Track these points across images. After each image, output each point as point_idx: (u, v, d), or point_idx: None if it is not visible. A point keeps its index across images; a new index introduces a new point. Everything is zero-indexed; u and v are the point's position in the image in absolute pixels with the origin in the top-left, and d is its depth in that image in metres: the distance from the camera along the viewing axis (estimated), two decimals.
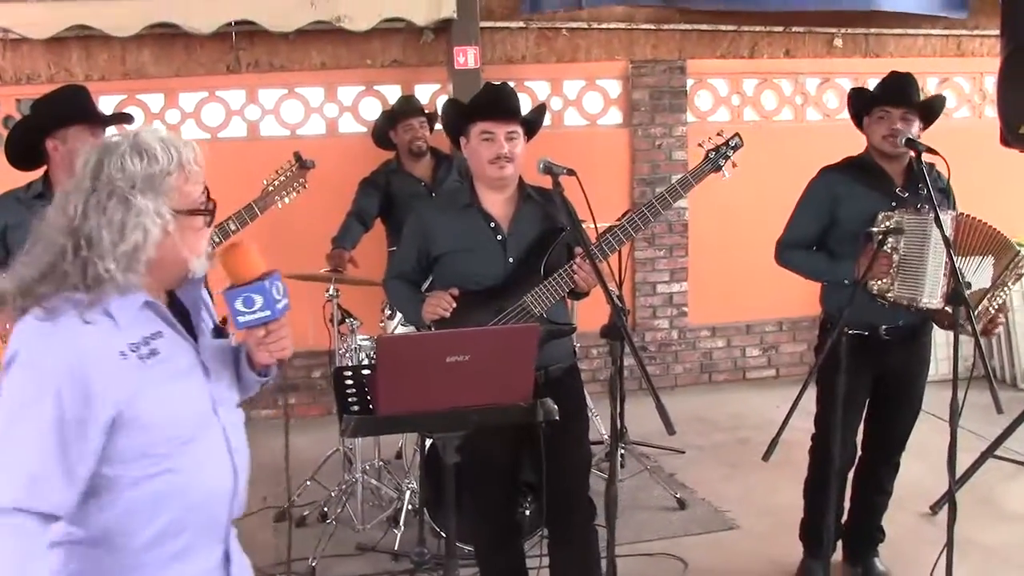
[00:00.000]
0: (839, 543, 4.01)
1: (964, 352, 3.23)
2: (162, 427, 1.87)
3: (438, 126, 4.82)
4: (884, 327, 3.71)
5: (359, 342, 4.72)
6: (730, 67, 7.02)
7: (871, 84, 3.98)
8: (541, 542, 3.45)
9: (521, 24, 6.52)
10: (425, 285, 3.47)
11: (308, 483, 4.82)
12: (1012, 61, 5.05)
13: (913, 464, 4.08)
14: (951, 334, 3.38)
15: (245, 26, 5.90)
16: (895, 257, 3.57)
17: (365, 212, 5.36)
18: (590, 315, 4.65)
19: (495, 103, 3.27)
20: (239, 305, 1.99)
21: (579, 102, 6.88)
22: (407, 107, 5.47)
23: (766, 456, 3.12)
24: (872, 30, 7.05)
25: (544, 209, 3.32)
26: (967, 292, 3.30)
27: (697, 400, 6.75)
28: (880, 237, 3.47)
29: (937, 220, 3.31)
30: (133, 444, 1.84)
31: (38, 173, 3.56)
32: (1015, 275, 3.66)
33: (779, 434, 3.12)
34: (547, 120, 3.86)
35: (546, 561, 3.41)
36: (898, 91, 3.71)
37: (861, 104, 3.82)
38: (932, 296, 3.54)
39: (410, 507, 4.53)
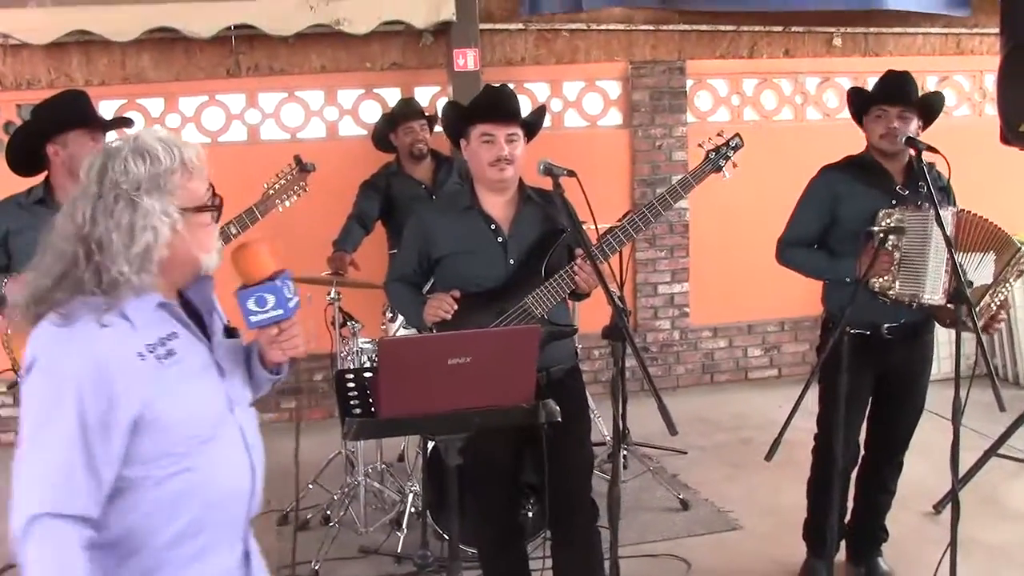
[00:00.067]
0: (842, 543, 4.00)
1: (966, 350, 3.22)
2: (181, 427, 1.89)
3: (438, 128, 4.82)
4: (886, 325, 3.70)
5: (361, 345, 4.72)
6: (730, 67, 7.01)
7: (871, 83, 3.97)
8: (544, 544, 3.45)
9: (520, 26, 6.52)
10: (426, 287, 3.47)
11: (311, 486, 4.82)
12: (1012, 59, 5.05)
13: (916, 463, 4.08)
14: (953, 332, 3.38)
15: (245, 30, 5.90)
16: (896, 255, 3.57)
17: (366, 215, 5.36)
18: (591, 316, 4.66)
19: (495, 105, 3.27)
20: (252, 304, 2.01)
21: (579, 103, 6.88)
22: (407, 110, 5.47)
23: (768, 456, 3.12)
24: (871, 29, 7.04)
25: (544, 210, 3.32)
26: (968, 289, 3.30)
27: (699, 401, 6.74)
28: (881, 236, 3.47)
29: (937, 217, 3.32)
30: (154, 445, 1.86)
31: (39, 179, 3.56)
32: (1016, 272, 3.66)
33: (781, 434, 3.12)
34: (547, 121, 3.86)
35: (549, 563, 3.41)
36: (895, 90, 3.71)
37: (859, 103, 3.83)
38: (934, 292, 3.54)
39: (413, 510, 4.53)
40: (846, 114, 3.96)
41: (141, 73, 6.10)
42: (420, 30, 6.22)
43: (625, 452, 5.25)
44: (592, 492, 3.45)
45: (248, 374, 2.15)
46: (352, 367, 4.57)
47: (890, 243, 3.52)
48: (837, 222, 3.78)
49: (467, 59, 6.13)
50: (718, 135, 3.52)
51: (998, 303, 3.65)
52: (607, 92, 6.91)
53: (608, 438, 5.38)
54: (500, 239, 3.29)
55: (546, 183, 3.12)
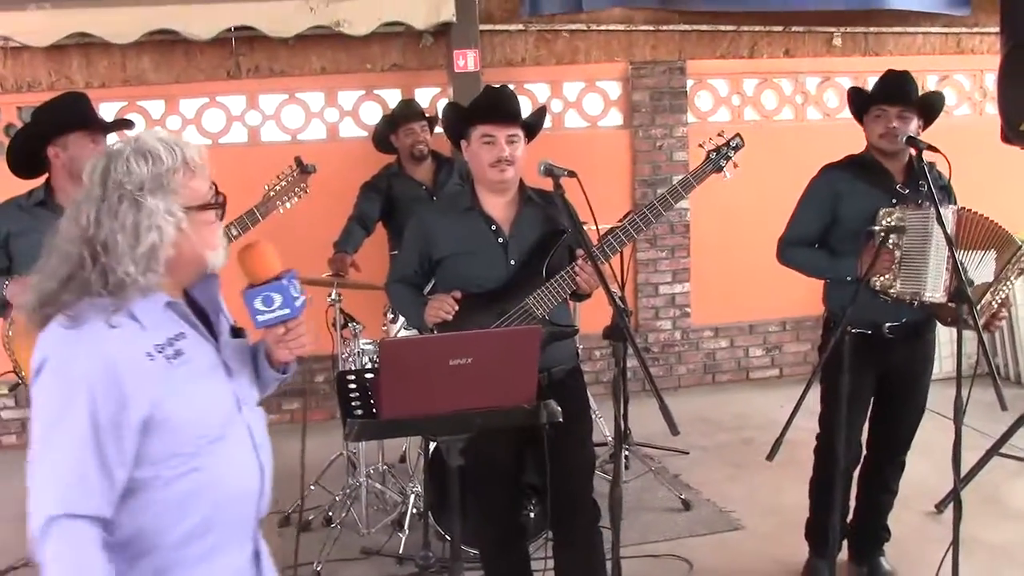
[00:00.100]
0: (844, 542, 4.00)
1: (968, 349, 3.22)
2: (190, 427, 1.90)
3: (439, 129, 4.82)
4: (887, 325, 3.70)
5: (362, 346, 4.72)
6: (730, 67, 7.01)
7: (871, 83, 3.98)
8: (546, 544, 3.45)
9: (520, 27, 6.52)
10: (427, 288, 3.47)
11: (312, 488, 4.82)
12: (1012, 58, 5.05)
13: (918, 463, 4.08)
14: (954, 331, 3.37)
15: (245, 32, 5.91)
16: (897, 253, 3.57)
17: (366, 216, 5.36)
18: (592, 317, 4.66)
19: (495, 107, 3.27)
20: (258, 304, 2.02)
21: (579, 104, 6.88)
22: (408, 111, 5.47)
23: (770, 456, 3.12)
24: (872, 29, 7.04)
25: (545, 211, 3.32)
26: (969, 288, 3.30)
27: (701, 401, 6.74)
28: (882, 235, 3.47)
29: (938, 215, 3.32)
30: (163, 445, 1.86)
31: (39, 181, 3.57)
32: (1017, 270, 3.66)
33: (783, 434, 3.12)
34: (547, 122, 3.87)
35: (551, 563, 3.41)
36: (894, 89, 3.72)
37: (859, 103, 3.83)
38: (935, 290, 3.53)
39: (414, 511, 4.53)
40: (846, 114, 3.96)
41: (141, 75, 6.11)
42: (420, 31, 6.23)
43: (627, 452, 5.25)
44: (594, 492, 3.45)
45: (255, 374, 2.16)
46: (353, 368, 4.57)
47: (891, 242, 3.52)
48: (838, 221, 3.78)
49: (467, 60, 6.13)
50: (719, 135, 3.52)
51: (999, 301, 3.65)
52: (607, 93, 6.91)
53: (610, 438, 5.38)
54: (501, 240, 3.29)
55: (547, 184, 3.12)
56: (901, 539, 4.15)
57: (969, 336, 3.20)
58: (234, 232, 3.78)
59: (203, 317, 2.04)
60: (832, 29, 6.99)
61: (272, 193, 4.00)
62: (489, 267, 3.27)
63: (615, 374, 2.77)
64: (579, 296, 3.33)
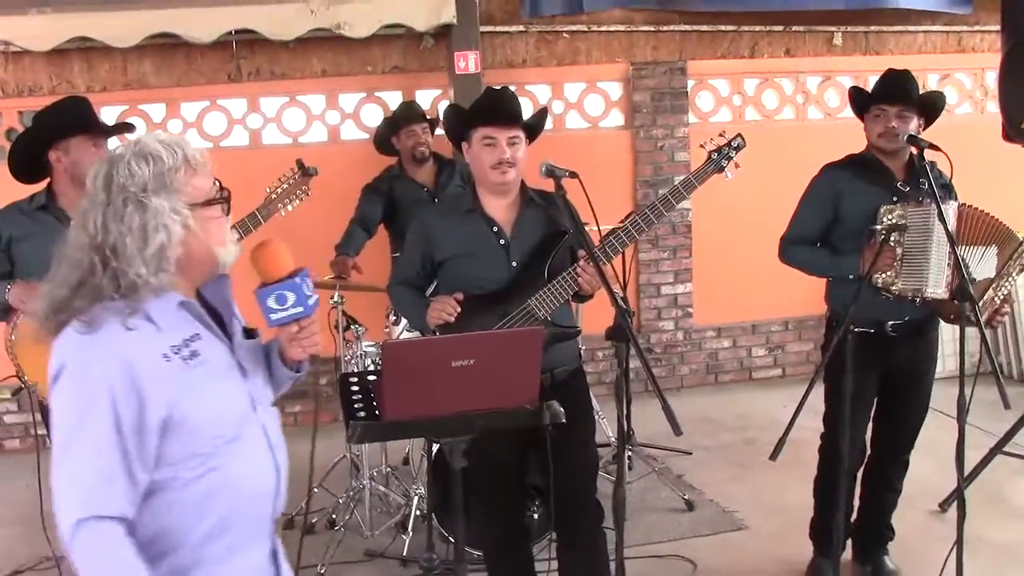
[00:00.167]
0: (848, 542, 4.00)
1: (971, 348, 3.22)
2: (208, 427, 1.91)
3: (440, 131, 4.82)
4: (890, 323, 3.70)
5: (364, 348, 4.73)
6: (731, 67, 7.01)
7: (872, 82, 3.98)
8: (549, 545, 3.45)
9: (521, 28, 6.52)
10: (429, 290, 3.47)
11: (316, 490, 4.82)
12: (1013, 56, 5.04)
13: (921, 461, 4.07)
14: (957, 330, 3.37)
15: (245, 35, 5.91)
16: (898, 251, 3.57)
17: (368, 218, 5.36)
18: (595, 318, 4.66)
19: (496, 108, 3.27)
20: (272, 302, 2.03)
21: (580, 105, 6.88)
22: (409, 113, 5.48)
23: (773, 456, 3.12)
24: (872, 28, 7.04)
25: (547, 212, 3.32)
26: (971, 284, 3.31)
27: (704, 401, 6.74)
28: (884, 235, 3.47)
29: (939, 211, 3.32)
30: (181, 446, 1.88)
31: (41, 185, 3.57)
32: (1019, 266, 3.67)
33: (786, 434, 3.12)
34: (548, 123, 3.86)
35: (555, 565, 3.42)
36: (894, 88, 3.72)
37: (860, 102, 3.83)
38: (937, 286, 3.54)
39: (418, 512, 4.53)
40: (847, 113, 3.96)
41: (142, 79, 6.11)
42: (421, 33, 6.23)
43: (630, 453, 5.25)
44: (597, 493, 3.45)
45: (268, 373, 2.17)
46: (356, 370, 4.57)
47: (893, 240, 3.52)
48: (839, 220, 3.79)
49: (468, 62, 6.14)
50: (720, 135, 3.52)
51: (1002, 297, 3.65)
52: (608, 93, 6.91)
53: (613, 439, 5.38)
54: (502, 241, 3.29)
55: (548, 185, 3.13)
56: (905, 538, 4.14)
57: (972, 334, 3.20)
58: (236, 235, 3.77)
59: (216, 318, 2.05)
60: (833, 28, 6.99)
61: (274, 196, 4.00)
62: (491, 269, 3.27)
63: (618, 375, 2.77)
64: (581, 297, 3.33)
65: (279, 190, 4.02)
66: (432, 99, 6.57)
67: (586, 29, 6.62)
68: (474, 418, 2.35)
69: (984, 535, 4.25)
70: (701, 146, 3.53)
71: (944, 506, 4.62)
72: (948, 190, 3.73)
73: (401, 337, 4.53)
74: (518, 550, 3.52)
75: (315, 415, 3.24)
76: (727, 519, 4.75)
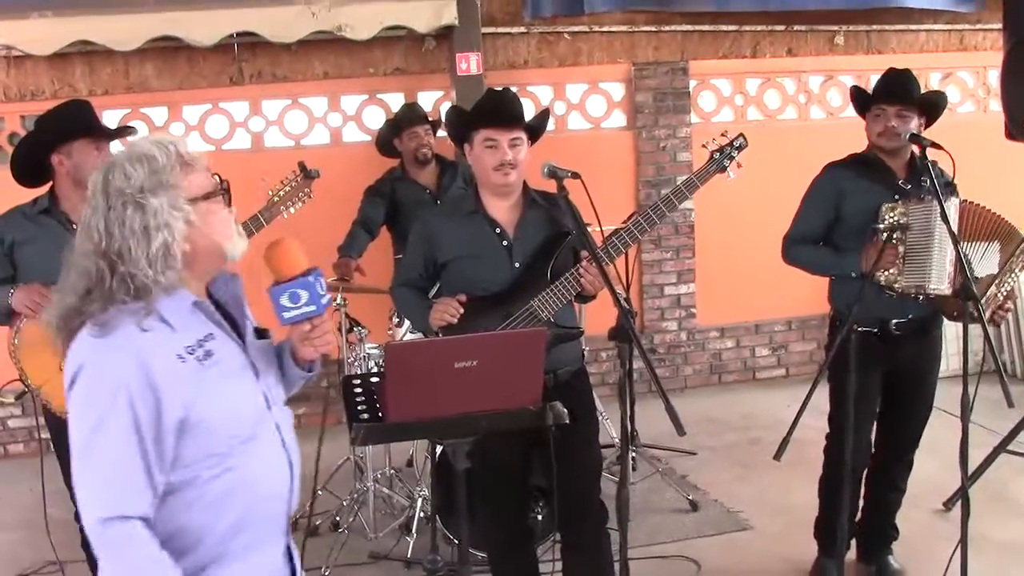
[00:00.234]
0: (853, 541, 3.99)
1: (974, 346, 3.22)
2: (224, 427, 1.92)
3: (442, 133, 4.81)
4: (894, 322, 3.70)
5: (367, 350, 4.73)
6: (732, 67, 7.01)
7: (874, 81, 3.98)
8: (553, 547, 3.44)
9: (523, 29, 6.52)
10: (432, 292, 3.47)
11: (320, 492, 4.82)
12: (1015, 55, 5.05)
13: (925, 460, 4.07)
14: (961, 329, 3.37)
15: (247, 38, 5.91)
16: (900, 249, 3.57)
17: (371, 220, 5.36)
18: (598, 318, 4.64)
19: (497, 110, 3.26)
20: (285, 300, 2.03)
21: (582, 106, 6.88)
22: (411, 115, 5.48)
23: (777, 456, 3.12)
24: (874, 27, 7.04)
25: (549, 213, 3.32)
26: (974, 281, 3.30)
27: (707, 401, 6.74)
28: (886, 234, 3.47)
29: (941, 208, 3.32)
30: (198, 447, 1.89)
31: (44, 189, 3.57)
32: (1022, 262, 3.66)
33: (790, 433, 3.11)
34: (550, 124, 3.86)
35: (559, 566, 3.40)
36: (894, 88, 3.72)
37: (861, 102, 3.83)
38: (939, 282, 3.53)
39: (422, 514, 4.53)
40: (850, 113, 3.96)
41: (144, 82, 6.12)
42: (422, 35, 6.23)
43: (634, 454, 5.24)
44: (601, 494, 3.45)
45: (280, 373, 2.18)
46: (359, 372, 4.57)
47: (895, 237, 3.52)
48: (841, 219, 3.79)
49: (470, 63, 6.14)
50: (722, 135, 3.51)
51: (1004, 293, 3.65)
52: (610, 94, 6.91)
53: (616, 440, 5.37)
54: (505, 243, 3.29)
55: (550, 186, 3.13)
56: (909, 537, 4.14)
57: (975, 333, 3.20)
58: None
59: (228, 318, 2.06)
60: (835, 27, 6.99)
61: (276, 198, 4.01)
62: (494, 270, 3.27)
63: (621, 375, 2.76)
64: (584, 298, 3.33)
65: (281, 192, 4.02)
66: (434, 101, 6.58)
67: (588, 30, 6.62)
68: (477, 419, 2.35)
69: (988, 534, 4.24)
70: (703, 146, 3.53)
71: (948, 505, 4.61)
72: (950, 189, 3.73)
73: (404, 339, 4.52)
74: (522, 551, 3.52)
75: (323, 418, 3.26)
76: (731, 519, 4.74)
